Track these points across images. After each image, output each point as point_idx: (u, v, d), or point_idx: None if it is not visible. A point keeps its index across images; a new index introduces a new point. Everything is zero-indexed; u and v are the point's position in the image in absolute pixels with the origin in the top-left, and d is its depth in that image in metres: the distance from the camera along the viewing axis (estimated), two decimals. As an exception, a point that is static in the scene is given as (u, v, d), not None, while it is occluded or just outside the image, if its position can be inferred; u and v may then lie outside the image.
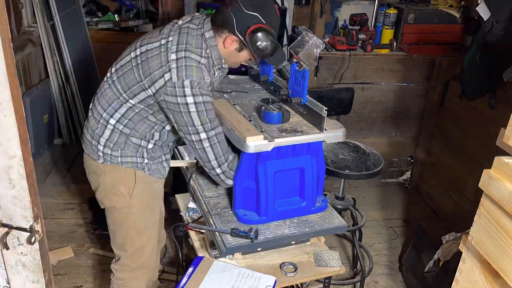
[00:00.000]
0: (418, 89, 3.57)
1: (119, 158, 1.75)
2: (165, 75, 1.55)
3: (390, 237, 3.10)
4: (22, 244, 1.17)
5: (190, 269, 1.57)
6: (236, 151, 1.63)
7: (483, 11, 2.37)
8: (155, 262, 1.99)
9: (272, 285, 1.53)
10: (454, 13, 3.04)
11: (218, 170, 1.65)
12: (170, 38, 1.61)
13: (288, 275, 1.64)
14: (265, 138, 1.51)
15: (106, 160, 1.75)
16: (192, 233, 1.83)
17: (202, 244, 1.78)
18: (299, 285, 2.07)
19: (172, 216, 3.07)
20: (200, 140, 1.59)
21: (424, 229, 3.10)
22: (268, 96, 1.92)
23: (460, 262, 1.12)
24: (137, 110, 1.67)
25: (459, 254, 1.13)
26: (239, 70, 2.67)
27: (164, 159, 1.85)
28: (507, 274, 0.93)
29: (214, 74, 1.68)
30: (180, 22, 1.69)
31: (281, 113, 1.65)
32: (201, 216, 1.80)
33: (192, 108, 1.54)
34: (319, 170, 1.68)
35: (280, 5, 3.05)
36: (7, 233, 1.13)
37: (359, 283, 2.52)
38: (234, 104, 1.81)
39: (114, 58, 1.78)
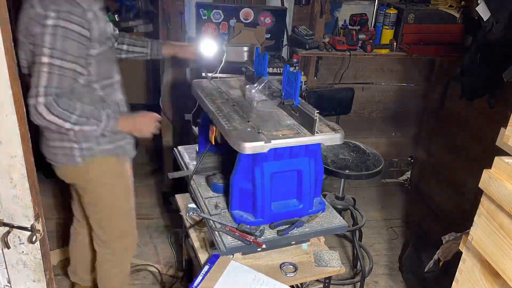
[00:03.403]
0: (418, 89, 3.57)
1: (98, 146, 1.76)
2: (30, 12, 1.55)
3: (390, 237, 3.10)
4: (23, 243, 1.17)
5: (206, 268, 1.57)
6: (232, 151, 1.58)
7: (483, 11, 2.37)
8: (135, 229, 2.14)
9: None
10: (454, 13, 3.04)
11: (40, 99, 1.49)
12: None
13: (288, 275, 1.64)
14: (261, 140, 1.50)
15: (86, 156, 1.76)
16: (192, 234, 1.84)
17: (202, 244, 1.78)
18: (299, 285, 2.07)
19: (172, 216, 3.08)
20: (41, 63, 1.50)
21: (424, 229, 3.10)
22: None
23: (460, 262, 1.12)
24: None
25: (459, 254, 1.13)
26: (239, 69, 2.68)
27: (126, 137, 1.87)
28: (507, 274, 0.93)
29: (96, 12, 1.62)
30: None
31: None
32: (203, 218, 1.80)
33: (49, 30, 1.49)
34: (317, 173, 1.67)
35: (281, 6, 3.06)
36: (8, 232, 1.14)
37: (359, 283, 2.52)
38: (233, 105, 1.81)
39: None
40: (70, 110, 1.54)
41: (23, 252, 1.19)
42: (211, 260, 1.61)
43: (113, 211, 1.97)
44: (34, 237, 1.14)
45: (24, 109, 1.05)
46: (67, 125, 1.56)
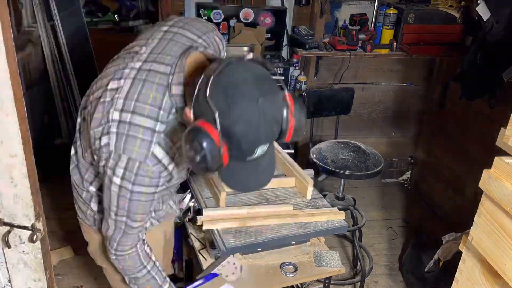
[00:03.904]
0: (418, 89, 3.58)
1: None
2: (102, 138, 1.17)
3: (390, 237, 3.10)
4: (24, 243, 1.17)
5: (200, 281, 1.55)
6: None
7: (483, 11, 2.37)
8: None
9: None
10: (454, 13, 3.04)
11: (112, 251, 1.34)
12: (122, 82, 1.18)
13: (288, 275, 1.64)
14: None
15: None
16: (192, 234, 1.84)
17: (202, 244, 1.78)
18: (299, 285, 2.07)
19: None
20: (108, 212, 1.27)
21: (424, 229, 3.10)
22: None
23: (460, 262, 1.12)
24: None
25: (459, 254, 1.13)
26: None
27: (172, 201, 1.62)
28: (507, 274, 0.93)
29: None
30: (144, 52, 1.22)
31: None
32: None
33: (115, 189, 1.19)
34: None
35: (281, 6, 3.06)
36: (8, 232, 1.14)
37: (359, 283, 2.52)
38: None
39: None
40: (134, 277, 1.39)
41: (23, 251, 1.19)
42: (208, 277, 1.59)
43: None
44: (35, 236, 1.13)
45: (25, 109, 1.05)
46: (126, 278, 1.42)
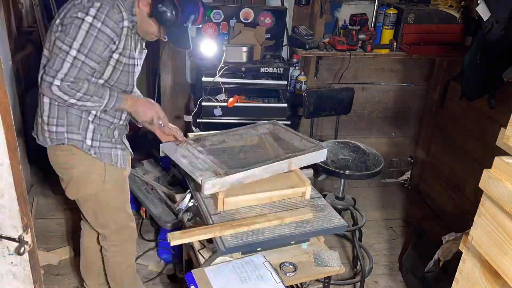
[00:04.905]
0: (418, 89, 3.57)
1: (65, 134, 1.75)
2: (75, 1, 1.62)
3: (390, 237, 3.10)
4: (12, 254, 1.13)
5: (192, 287, 1.55)
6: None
7: (483, 11, 2.37)
8: (134, 222, 2.11)
9: (265, 259, 1.63)
10: (454, 13, 3.04)
11: (56, 82, 1.60)
12: None
13: (288, 275, 1.64)
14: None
15: (53, 140, 1.77)
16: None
17: (202, 244, 1.78)
18: (299, 285, 2.07)
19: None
20: (67, 53, 1.59)
21: (424, 229, 3.09)
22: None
23: (460, 262, 1.12)
24: None
25: (459, 254, 1.13)
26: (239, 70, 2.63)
27: (115, 146, 1.86)
28: (507, 274, 0.93)
29: (132, 30, 1.71)
30: None
31: None
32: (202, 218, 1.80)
33: (85, 27, 1.57)
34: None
35: (281, 6, 3.05)
36: (-4, 242, 1.08)
37: (359, 283, 2.52)
38: None
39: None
40: (77, 89, 1.63)
41: (12, 263, 1.14)
42: (190, 280, 1.55)
43: (98, 207, 1.97)
44: (22, 248, 1.08)
45: (12, 118, 1.00)
46: (72, 100, 1.64)
